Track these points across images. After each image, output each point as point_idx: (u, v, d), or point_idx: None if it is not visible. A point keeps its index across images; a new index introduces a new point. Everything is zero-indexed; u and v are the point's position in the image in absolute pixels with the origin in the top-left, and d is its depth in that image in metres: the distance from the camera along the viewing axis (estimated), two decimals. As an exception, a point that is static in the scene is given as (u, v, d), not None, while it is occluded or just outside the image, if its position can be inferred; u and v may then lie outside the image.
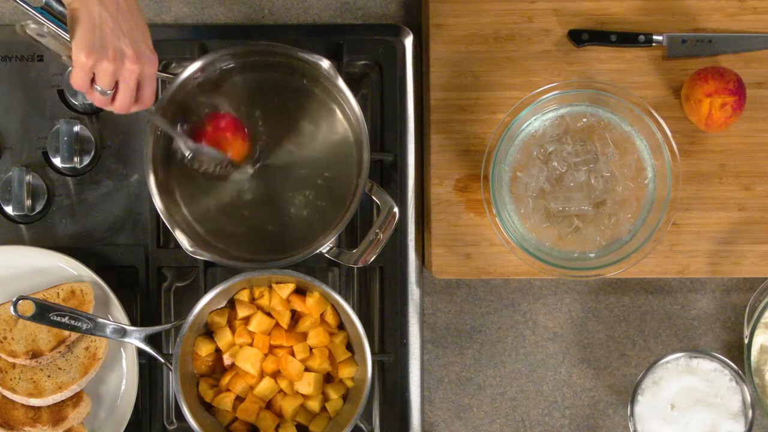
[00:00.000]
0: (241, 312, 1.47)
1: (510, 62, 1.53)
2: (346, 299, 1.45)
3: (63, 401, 1.46)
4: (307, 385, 1.45)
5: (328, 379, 1.49)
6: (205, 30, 1.57)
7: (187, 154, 1.45)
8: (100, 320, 1.43)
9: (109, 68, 1.25)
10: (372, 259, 1.45)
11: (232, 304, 1.48)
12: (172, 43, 1.53)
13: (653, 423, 1.48)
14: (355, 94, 1.47)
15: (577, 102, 1.48)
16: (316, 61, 1.45)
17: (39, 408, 1.46)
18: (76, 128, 1.52)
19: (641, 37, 1.53)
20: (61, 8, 1.36)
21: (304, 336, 1.47)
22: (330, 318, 1.47)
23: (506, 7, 1.54)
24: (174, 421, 1.54)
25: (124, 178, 1.55)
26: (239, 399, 1.47)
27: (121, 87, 1.28)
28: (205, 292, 1.45)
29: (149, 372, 1.51)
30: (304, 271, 1.45)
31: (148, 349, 1.45)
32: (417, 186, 1.55)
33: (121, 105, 1.29)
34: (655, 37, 1.53)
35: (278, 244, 1.49)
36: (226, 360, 1.48)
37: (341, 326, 1.49)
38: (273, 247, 1.49)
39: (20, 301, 1.39)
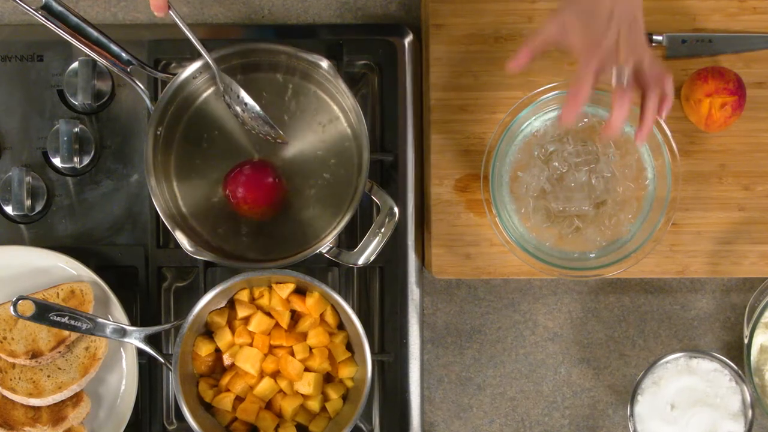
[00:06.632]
0: (241, 312, 1.47)
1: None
2: (345, 299, 1.45)
3: (63, 401, 1.46)
4: (307, 385, 1.45)
5: (328, 379, 1.49)
6: (205, 30, 1.57)
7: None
8: (100, 320, 1.43)
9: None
10: (372, 259, 1.45)
11: (232, 304, 1.48)
12: (172, 43, 1.52)
13: (653, 423, 1.48)
14: (355, 94, 1.47)
15: (577, 102, 1.48)
16: (316, 61, 1.45)
17: (39, 408, 1.46)
18: (76, 128, 1.52)
19: (641, 37, 1.52)
20: (60, 8, 1.37)
21: (304, 336, 1.47)
22: (330, 318, 1.47)
23: (506, 7, 1.53)
24: (174, 421, 1.54)
25: (124, 178, 1.55)
26: (239, 399, 1.47)
27: None
28: (205, 292, 1.45)
29: (149, 372, 1.51)
30: (304, 271, 1.45)
31: (148, 349, 1.45)
32: (417, 186, 1.55)
33: None
34: (655, 37, 1.53)
35: (278, 243, 1.49)
36: (226, 360, 1.48)
37: (341, 326, 1.49)
38: (273, 247, 1.49)
39: (20, 301, 1.39)
